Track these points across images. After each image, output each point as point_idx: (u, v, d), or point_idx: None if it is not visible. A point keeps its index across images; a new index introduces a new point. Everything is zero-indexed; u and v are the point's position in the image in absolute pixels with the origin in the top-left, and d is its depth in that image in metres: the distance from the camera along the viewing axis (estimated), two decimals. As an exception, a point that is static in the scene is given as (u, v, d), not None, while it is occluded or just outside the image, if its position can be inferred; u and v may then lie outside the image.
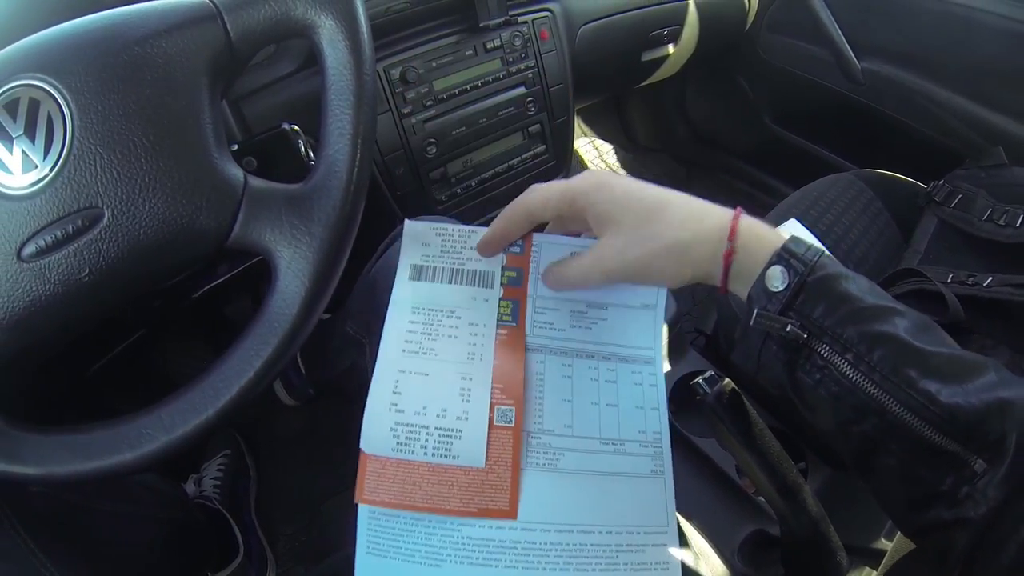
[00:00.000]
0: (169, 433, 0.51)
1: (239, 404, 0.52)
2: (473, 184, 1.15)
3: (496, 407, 0.53)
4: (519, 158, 1.20)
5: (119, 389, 1.19)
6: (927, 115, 1.39)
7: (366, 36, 0.55)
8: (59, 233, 0.47)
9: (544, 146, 1.22)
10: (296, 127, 0.79)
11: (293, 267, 0.52)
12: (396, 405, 0.52)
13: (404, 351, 0.55)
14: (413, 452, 0.51)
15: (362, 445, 0.50)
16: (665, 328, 1.05)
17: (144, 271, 0.52)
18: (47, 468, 0.50)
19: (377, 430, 0.51)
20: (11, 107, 0.47)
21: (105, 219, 0.48)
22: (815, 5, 1.50)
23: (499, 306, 0.57)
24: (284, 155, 0.78)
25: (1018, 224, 0.91)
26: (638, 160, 2.22)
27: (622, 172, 2.21)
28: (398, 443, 0.51)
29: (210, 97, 0.52)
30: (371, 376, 0.58)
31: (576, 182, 0.51)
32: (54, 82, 0.47)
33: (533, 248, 0.57)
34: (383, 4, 0.96)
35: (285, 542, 1.29)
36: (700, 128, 2.06)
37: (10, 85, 0.47)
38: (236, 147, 0.61)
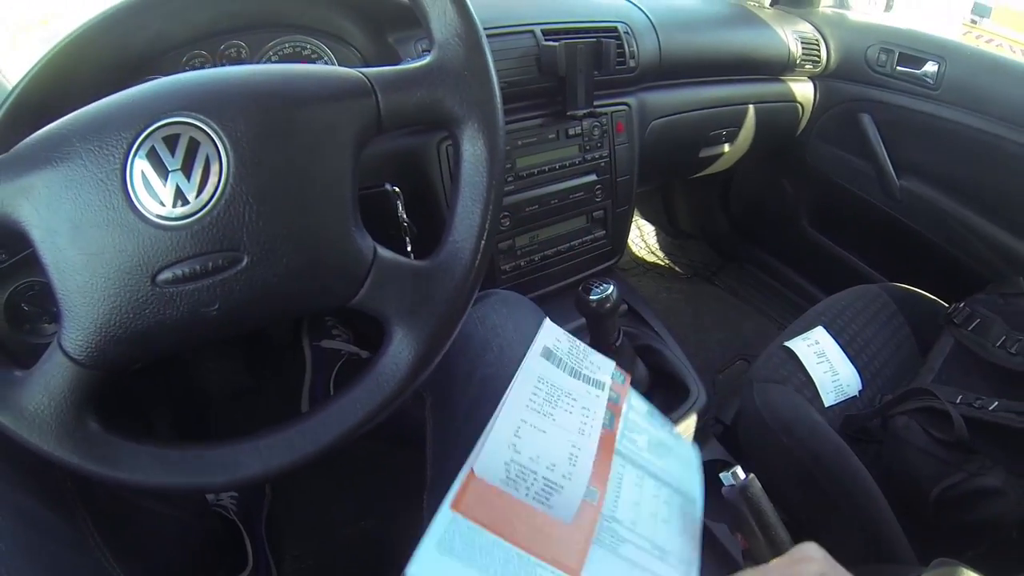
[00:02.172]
0: (265, 464, 0.55)
1: (335, 448, 0.57)
2: (536, 259, 1.21)
3: (587, 486, 0.58)
4: (580, 240, 1.26)
5: (148, 389, 1.21)
6: (957, 237, 1.47)
7: (502, 141, 0.60)
8: (197, 267, 0.50)
9: (604, 231, 1.28)
10: (397, 189, 0.84)
11: (409, 337, 0.57)
12: (515, 446, 0.56)
13: (528, 406, 0.59)
14: (517, 490, 0.55)
15: (475, 468, 0.53)
16: (695, 416, 1.11)
17: (268, 314, 0.56)
18: (141, 477, 0.54)
19: (493, 461, 0.55)
20: (171, 141, 0.50)
21: (243, 263, 0.51)
22: (864, 121, 1.59)
23: (605, 408, 0.63)
24: (382, 212, 0.83)
25: None
26: (676, 244, 2.29)
27: (660, 253, 2.30)
28: (508, 477, 0.55)
29: (352, 167, 0.55)
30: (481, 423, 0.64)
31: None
32: (216, 128, 0.50)
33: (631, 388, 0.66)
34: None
35: (291, 563, 1.30)
36: (739, 222, 2.14)
37: (173, 120, 0.50)
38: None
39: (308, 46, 0.94)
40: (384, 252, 0.57)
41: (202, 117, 0.51)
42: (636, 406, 0.66)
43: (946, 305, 1.14)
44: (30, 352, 0.58)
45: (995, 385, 0.97)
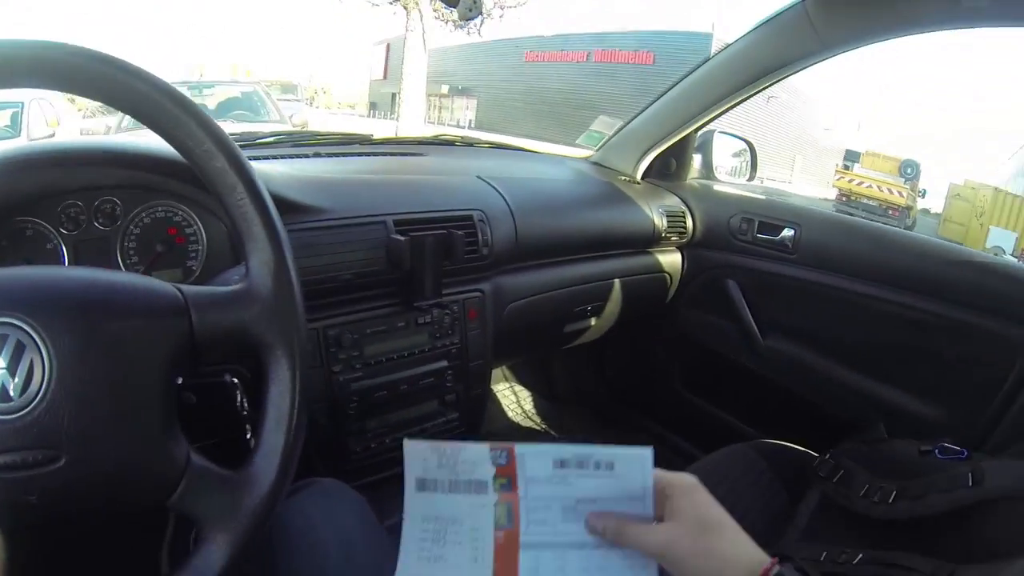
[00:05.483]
0: None
1: None
2: (387, 441, 1.19)
3: None
4: (432, 423, 1.25)
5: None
6: (823, 388, 1.53)
7: (305, 369, 0.65)
8: (17, 459, 0.52)
9: (457, 414, 1.27)
10: (236, 379, 0.87)
11: (218, 540, 0.61)
12: None
13: (419, 557, 0.61)
14: None
15: None
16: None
17: (87, 507, 0.59)
18: None
19: None
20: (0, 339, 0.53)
21: (61, 462, 0.53)
22: (729, 287, 1.67)
23: (495, 511, 0.62)
24: (221, 401, 0.87)
25: (890, 500, 0.95)
26: (555, 410, 2.28)
27: (538, 419, 2.28)
28: None
29: (165, 383, 0.60)
30: None
31: (675, 478, 0.62)
32: (43, 335, 0.54)
33: (517, 457, 0.62)
34: (330, 271, 1.02)
35: None
36: (615, 387, 2.17)
37: (4, 320, 0.54)
38: (180, 381, 0.66)
39: (179, 212, 0.97)
40: (197, 460, 0.62)
41: (31, 323, 0.54)
42: (536, 474, 0.63)
43: (816, 456, 1.15)
44: None
45: (860, 535, 0.96)
